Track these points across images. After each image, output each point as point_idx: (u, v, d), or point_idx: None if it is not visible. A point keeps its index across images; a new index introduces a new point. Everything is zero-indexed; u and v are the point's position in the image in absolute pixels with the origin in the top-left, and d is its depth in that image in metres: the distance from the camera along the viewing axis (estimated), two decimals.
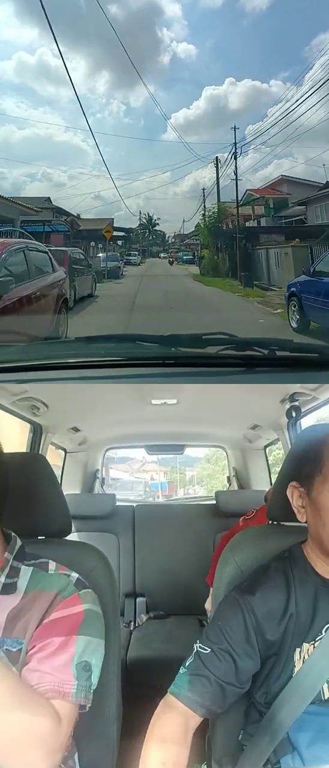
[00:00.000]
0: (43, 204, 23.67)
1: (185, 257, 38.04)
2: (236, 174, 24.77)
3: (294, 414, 2.31)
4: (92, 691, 1.03)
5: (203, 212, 29.79)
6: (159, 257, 44.14)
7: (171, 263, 33.20)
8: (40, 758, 0.90)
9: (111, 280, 20.85)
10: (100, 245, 23.45)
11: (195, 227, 29.94)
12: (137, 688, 2.40)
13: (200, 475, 4.75)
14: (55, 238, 21.01)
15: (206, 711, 1.09)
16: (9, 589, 1.08)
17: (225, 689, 1.07)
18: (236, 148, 24.64)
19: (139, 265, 34.73)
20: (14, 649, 1.02)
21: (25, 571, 1.12)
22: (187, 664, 1.12)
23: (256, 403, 2.67)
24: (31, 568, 1.13)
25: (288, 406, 2.30)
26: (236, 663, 1.07)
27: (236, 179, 24.77)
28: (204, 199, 31.13)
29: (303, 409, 2.32)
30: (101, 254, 24.02)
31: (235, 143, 24.83)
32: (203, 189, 31.80)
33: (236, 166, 24.69)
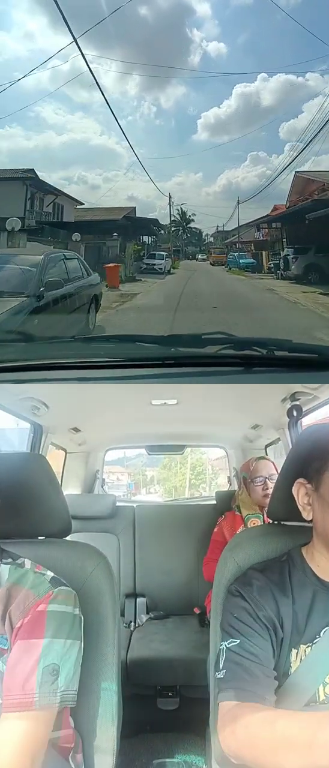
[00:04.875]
0: (18, 174, 17.22)
1: (242, 260, 25.89)
2: None
3: (295, 413, 2.31)
4: (60, 693, 1.02)
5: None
6: (196, 259, 34.85)
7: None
8: None
9: None
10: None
11: None
12: (137, 689, 2.40)
13: (157, 477, 5.19)
14: None
15: (260, 696, 1.01)
16: None
17: (265, 670, 1.05)
18: None
19: (168, 273, 21.73)
20: (5, 647, 1.05)
21: (4, 570, 1.13)
22: (221, 666, 1.07)
23: (257, 403, 2.67)
24: (9, 566, 1.14)
25: (288, 405, 2.30)
26: (263, 643, 1.07)
27: None
28: None
29: (304, 409, 2.31)
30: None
31: None
32: None
33: None
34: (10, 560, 1.16)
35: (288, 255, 18.56)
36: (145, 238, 26.29)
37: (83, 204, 22.68)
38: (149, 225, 24.97)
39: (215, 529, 2.63)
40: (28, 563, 1.16)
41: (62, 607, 1.08)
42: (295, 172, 21.67)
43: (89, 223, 19.78)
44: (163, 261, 21.86)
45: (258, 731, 0.92)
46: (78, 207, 21.89)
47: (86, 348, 1.84)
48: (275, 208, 26.23)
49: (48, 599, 1.07)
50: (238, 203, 29.22)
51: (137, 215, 24.13)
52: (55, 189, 19.08)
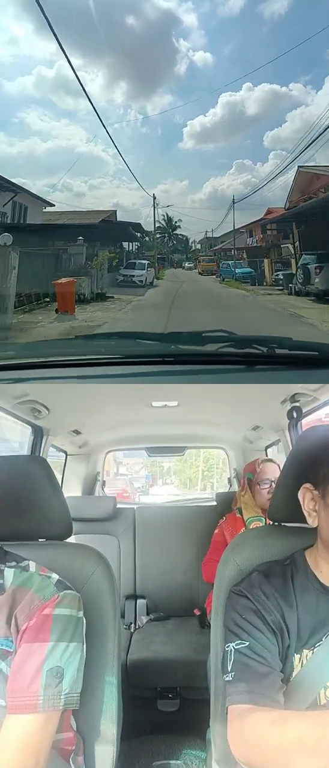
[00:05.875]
0: None
1: (239, 270, 23.07)
2: None
3: (295, 415, 2.31)
4: (64, 695, 1.02)
5: None
6: (183, 267, 32.05)
7: None
8: None
9: None
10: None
11: None
12: (137, 690, 2.40)
13: (173, 469, 5.43)
14: None
15: (269, 699, 1.00)
16: None
17: (274, 672, 1.04)
18: None
19: (151, 285, 18.26)
20: (10, 649, 1.05)
21: (8, 573, 1.13)
22: (230, 668, 1.06)
23: (257, 405, 2.67)
24: (13, 569, 1.14)
25: (288, 407, 2.30)
26: (272, 647, 1.06)
27: None
28: None
29: (303, 410, 2.31)
30: None
31: None
32: None
33: None
34: (14, 563, 1.16)
35: (308, 264, 14.60)
36: (127, 245, 23.32)
37: (54, 205, 19.63)
38: (128, 228, 20.58)
39: (216, 531, 2.60)
40: (32, 566, 1.16)
41: (67, 610, 1.08)
42: (298, 167, 19.73)
43: (51, 226, 16.04)
44: (144, 271, 18.59)
45: (267, 734, 0.92)
46: (48, 209, 18.95)
47: (87, 345, 1.85)
48: (269, 212, 24.35)
49: (54, 603, 1.07)
50: (233, 202, 26.35)
51: (100, 210, 20.40)
52: (15, 185, 15.90)
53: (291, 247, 21.13)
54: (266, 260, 21.81)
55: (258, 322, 9.97)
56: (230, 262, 25.21)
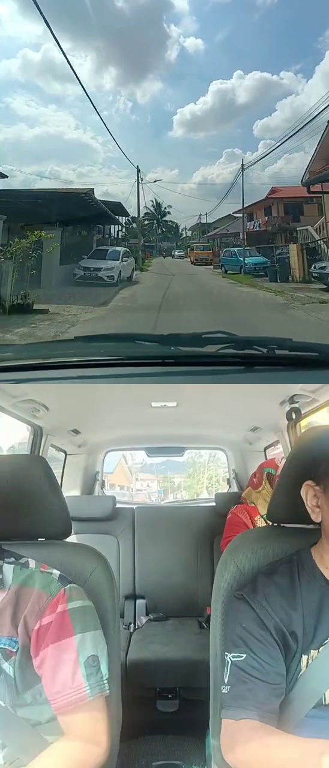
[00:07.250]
0: None
1: (250, 260, 18.13)
2: None
3: (293, 416, 2.31)
4: (106, 680, 1.06)
5: None
6: (172, 256, 29.69)
7: None
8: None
9: None
10: None
11: None
12: (136, 691, 2.40)
13: (183, 485, 5.79)
14: None
15: (262, 714, 1.03)
16: None
17: (269, 686, 1.05)
18: None
19: (128, 281, 13.94)
20: (13, 649, 1.06)
21: (7, 569, 1.14)
22: (226, 680, 1.09)
23: (256, 406, 2.67)
24: (12, 566, 1.15)
25: (287, 408, 2.30)
26: (271, 656, 1.07)
27: None
28: None
29: (302, 412, 2.32)
30: None
31: None
32: None
33: None
34: (13, 559, 1.17)
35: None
36: (113, 230, 18.93)
37: (6, 177, 14.78)
38: (98, 206, 14.25)
39: (229, 515, 2.47)
40: (32, 563, 1.17)
41: (79, 602, 1.11)
42: (328, 122, 16.60)
43: None
44: (116, 263, 13.03)
45: (254, 753, 0.97)
46: None
47: (86, 347, 1.84)
48: (273, 191, 22.92)
49: (65, 599, 1.10)
50: (242, 168, 21.42)
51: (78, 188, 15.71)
52: None
53: (311, 229, 16.73)
54: (293, 246, 15.81)
55: None
56: (236, 250, 19.63)
